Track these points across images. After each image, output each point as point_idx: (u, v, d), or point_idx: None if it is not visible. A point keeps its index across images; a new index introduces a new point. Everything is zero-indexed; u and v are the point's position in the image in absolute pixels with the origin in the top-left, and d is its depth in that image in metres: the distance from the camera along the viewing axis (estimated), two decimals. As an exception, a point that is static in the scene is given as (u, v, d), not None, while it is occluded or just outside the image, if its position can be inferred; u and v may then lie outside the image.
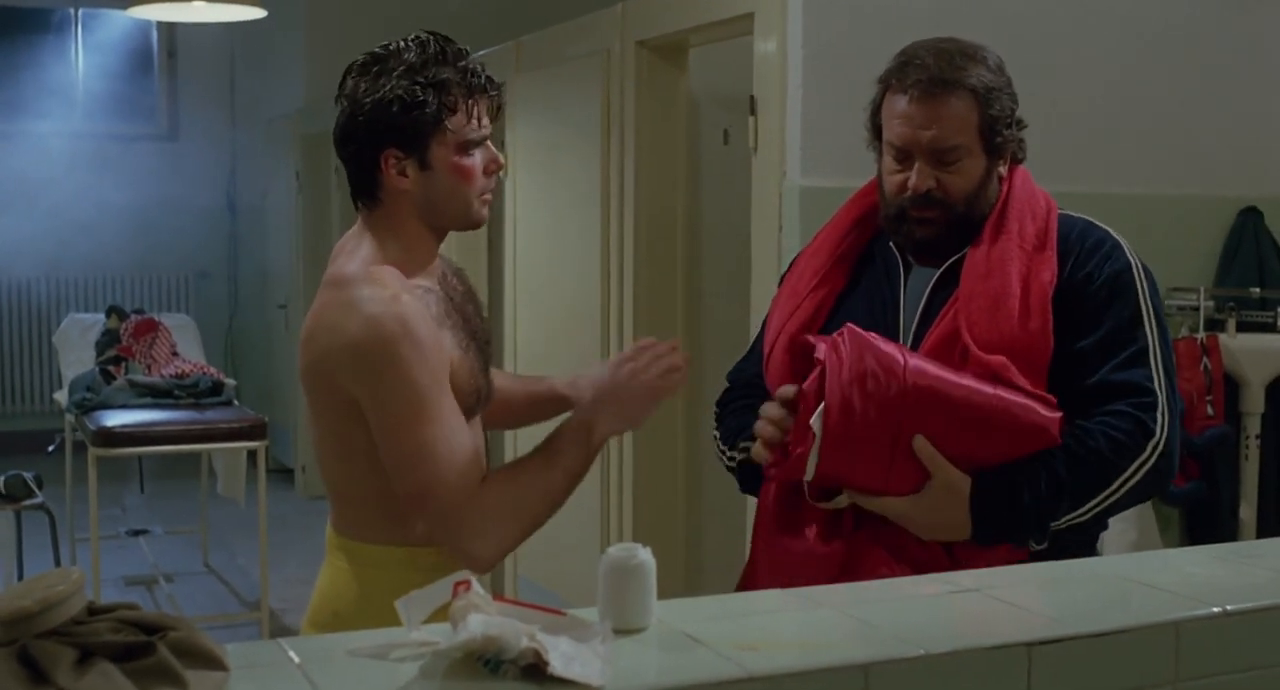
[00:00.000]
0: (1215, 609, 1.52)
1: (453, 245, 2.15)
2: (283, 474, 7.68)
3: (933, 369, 1.96)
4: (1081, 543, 2.06)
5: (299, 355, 1.99)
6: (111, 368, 5.61)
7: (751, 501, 2.30)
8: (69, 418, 5.63)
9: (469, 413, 1.99)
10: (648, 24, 4.01)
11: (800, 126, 3.29)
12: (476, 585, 1.36)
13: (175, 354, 5.82)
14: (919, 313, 2.11)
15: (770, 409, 2.07)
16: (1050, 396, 1.98)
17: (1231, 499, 3.76)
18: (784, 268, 2.43)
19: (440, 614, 1.36)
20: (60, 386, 6.10)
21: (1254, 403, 3.74)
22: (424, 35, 1.96)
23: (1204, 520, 3.78)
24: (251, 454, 5.33)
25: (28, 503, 4.65)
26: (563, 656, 1.27)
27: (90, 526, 4.95)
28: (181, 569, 6.08)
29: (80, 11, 8.71)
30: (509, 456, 4.11)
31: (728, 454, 2.26)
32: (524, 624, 1.30)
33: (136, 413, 5.19)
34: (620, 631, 1.39)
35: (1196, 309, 3.70)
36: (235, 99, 9.03)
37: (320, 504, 6.72)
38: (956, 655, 1.38)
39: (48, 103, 8.47)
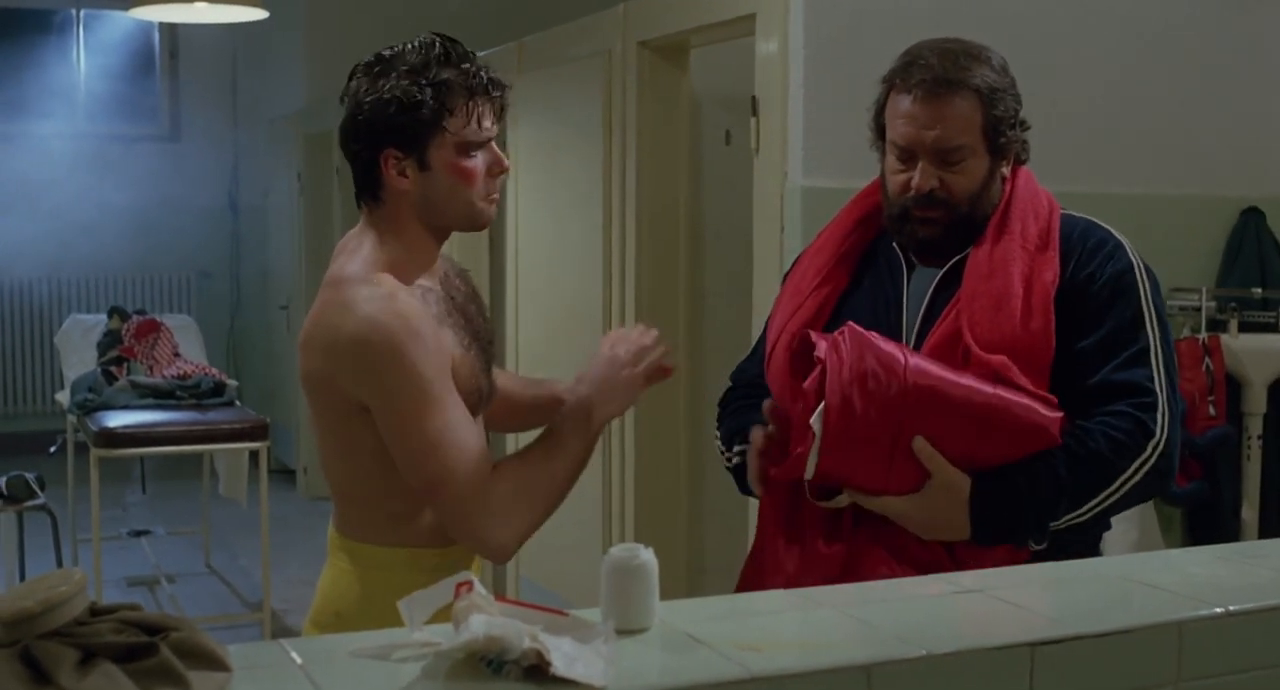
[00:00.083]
0: (1218, 609, 1.52)
1: (454, 245, 2.15)
2: (284, 475, 7.68)
3: (933, 369, 1.96)
4: (1084, 543, 2.06)
5: (299, 357, 1.99)
6: (113, 368, 5.61)
7: (753, 502, 2.31)
8: (71, 418, 5.63)
9: (471, 411, 1.99)
10: (649, 25, 4.01)
11: (802, 127, 3.29)
12: (478, 586, 1.36)
13: (177, 355, 5.82)
14: (921, 313, 2.11)
15: (757, 435, 2.10)
16: (1051, 397, 1.98)
17: (1233, 499, 3.76)
18: (786, 268, 2.43)
19: (442, 614, 1.36)
20: (62, 387, 6.10)
21: (1256, 403, 3.74)
22: (431, 37, 1.96)
23: (1206, 520, 3.78)
24: (253, 455, 5.33)
25: (30, 503, 4.65)
26: (565, 657, 1.27)
27: (92, 527, 4.95)
28: (183, 570, 6.08)
29: (82, 12, 8.71)
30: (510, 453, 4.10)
31: (726, 452, 2.26)
32: (526, 624, 1.30)
33: (138, 413, 5.19)
34: (622, 632, 1.39)
35: (1198, 309, 3.70)
36: (237, 99, 9.04)
37: (322, 505, 6.71)
38: (959, 656, 1.38)
39: (50, 104, 8.47)
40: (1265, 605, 1.55)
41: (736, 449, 2.23)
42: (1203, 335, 3.66)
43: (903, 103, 2.08)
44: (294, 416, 7.34)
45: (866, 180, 2.27)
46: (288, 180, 7.71)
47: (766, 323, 2.29)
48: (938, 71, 2.05)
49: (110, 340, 5.82)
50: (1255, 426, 3.75)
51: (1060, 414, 1.97)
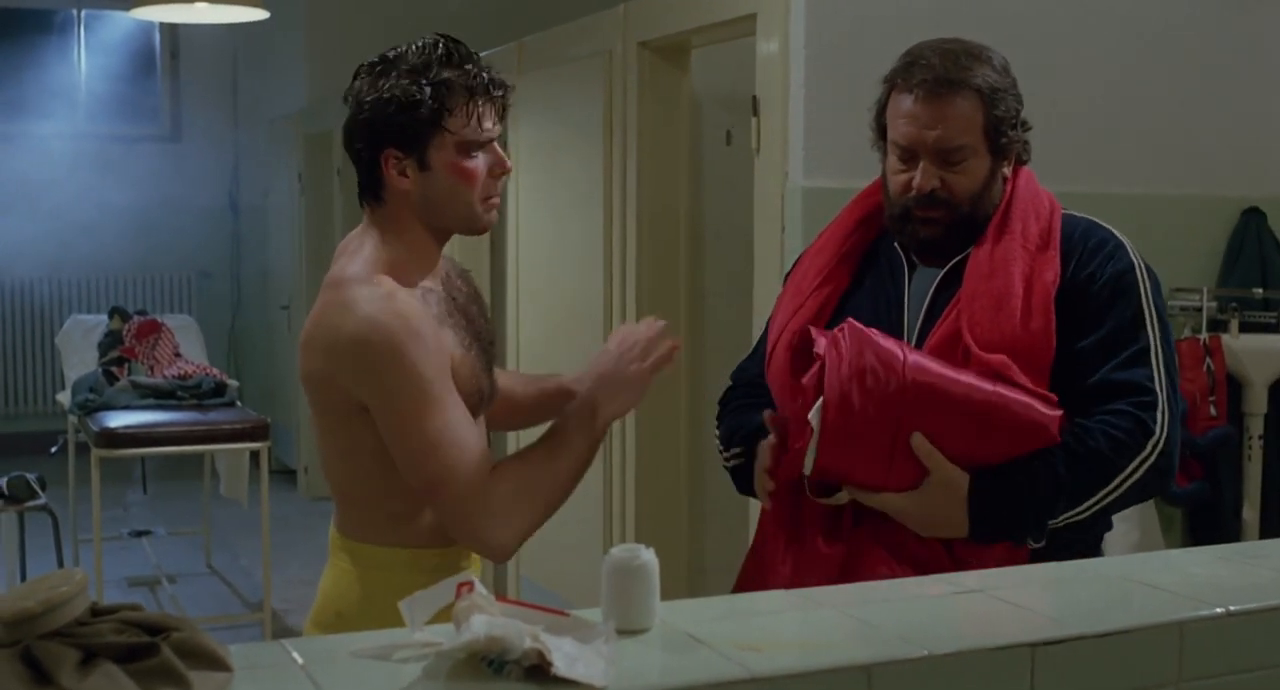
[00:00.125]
0: (1218, 609, 1.52)
1: (455, 246, 2.15)
2: (285, 475, 7.68)
3: (933, 365, 1.96)
4: (1086, 543, 2.06)
5: (299, 357, 1.99)
6: (114, 369, 5.61)
7: (754, 502, 2.31)
8: (72, 419, 5.63)
9: (472, 411, 1.99)
10: (650, 25, 4.01)
11: (803, 127, 3.29)
12: (479, 586, 1.36)
13: (178, 355, 5.82)
14: (923, 313, 2.12)
15: (763, 451, 2.10)
16: (1051, 395, 1.98)
17: (1234, 499, 3.76)
18: (786, 269, 2.43)
19: (444, 615, 1.36)
20: (63, 388, 6.10)
21: (1257, 403, 3.74)
22: (435, 37, 1.96)
23: (1207, 521, 3.78)
24: (254, 455, 5.33)
25: (31, 504, 4.65)
26: (566, 657, 1.27)
27: (93, 527, 4.95)
28: (184, 570, 6.08)
29: (83, 13, 8.71)
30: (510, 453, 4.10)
31: (725, 453, 2.26)
32: (527, 625, 1.30)
33: (139, 414, 5.20)
34: (623, 632, 1.39)
35: (1199, 309, 3.70)
36: (238, 100, 9.04)
37: (323, 505, 6.71)
38: (959, 656, 1.38)
39: (50, 104, 8.47)
40: (1266, 605, 1.55)
41: (734, 450, 2.23)
42: (1203, 335, 3.66)
43: (904, 102, 2.08)
44: (295, 417, 7.34)
45: (867, 180, 2.27)
46: (288, 180, 7.71)
47: (767, 322, 2.29)
48: (939, 71, 2.05)
49: (111, 340, 5.82)
50: (1256, 427, 3.75)
51: (1059, 412, 1.97)
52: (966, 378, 1.96)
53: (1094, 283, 2.05)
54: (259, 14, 5.09)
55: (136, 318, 5.94)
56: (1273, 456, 3.77)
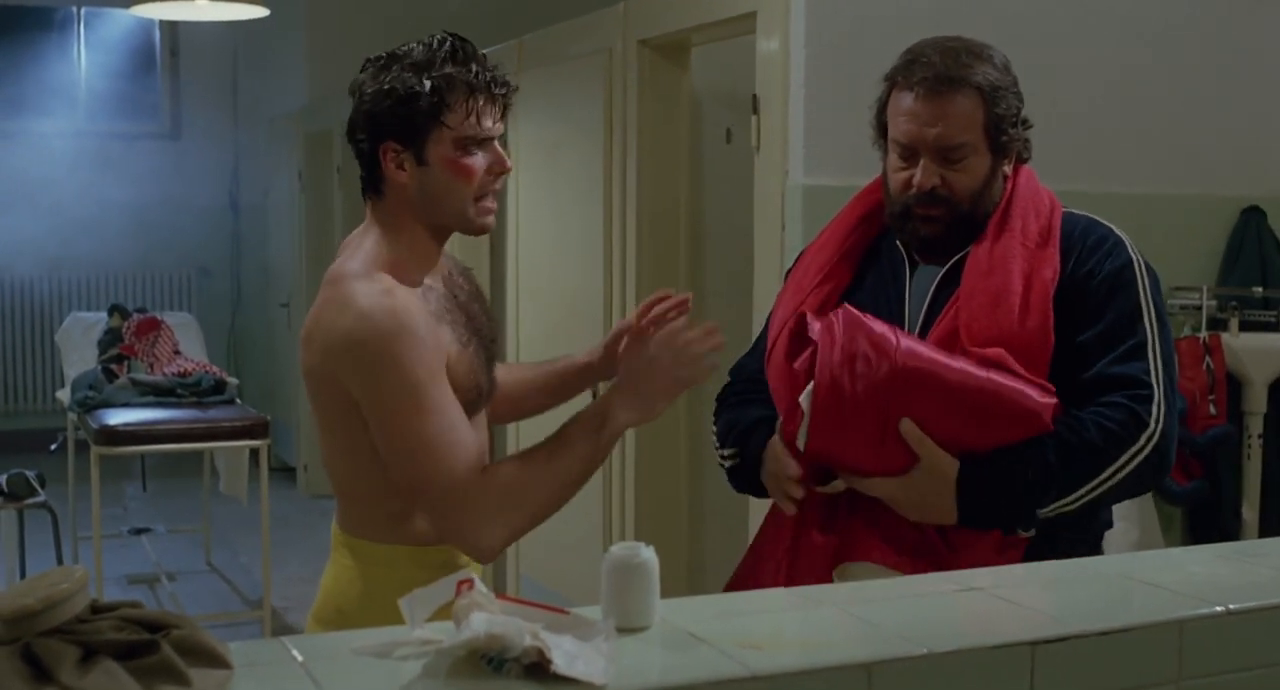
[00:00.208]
0: (1218, 608, 1.52)
1: (454, 244, 2.14)
2: (285, 472, 7.68)
3: (925, 351, 1.97)
4: (1086, 542, 2.06)
5: (300, 354, 1.99)
6: (114, 366, 5.61)
7: (754, 501, 2.31)
8: (71, 416, 5.63)
9: (469, 409, 1.98)
10: (650, 23, 4.01)
11: (803, 125, 3.29)
12: (479, 584, 1.36)
13: (178, 353, 5.82)
14: (924, 310, 2.12)
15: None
16: (1047, 384, 1.98)
17: (1234, 498, 3.76)
18: (787, 267, 2.43)
19: (444, 612, 1.36)
20: (63, 385, 6.10)
21: (1256, 402, 3.74)
22: (444, 35, 1.97)
23: (1206, 519, 3.79)
24: (254, 452, 5.34)
25: (30, 501, 4.65)
26: (566, 655, 1.27)
27: (93, 525, 4.95)
28: (184, 567, 6.08)
29: (83, 10, 8.71)
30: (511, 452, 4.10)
31: (721, 451, 2.26)
32: (527, 622, 1.30)
33: (139, 411, 5.20)
34: (623, 630, 1.39)
35: (1199, 308, 3.70)
36: (238, 97, 9.04)
37: (322, 503, 6.67)
38: (959, 654, 1.38)
39: (50, 101, 8.48)
40: (1266, 604, 1.55)
41: (730, 450, 2.23)
42: (1203, 334, 3.66)
43: (905, 100, 2.08)
44: (294, 414, 7.34)
45: (867, 179, 2.27)
46: (288, 178, 7.71)
47: (768, 319, 2.29)
48: (940, 69, 2.05)
49: (111, 338, 5.82)
50: (1256, 425, 3.75)
51: (1054, 400, 1.97)
52: (959, 363, 1.96)
53: (1093, 278, 2.05)
54: (259, 11, 5.09)
55: (136, 315, 5.94)
56: (1272, 455, 3.77)
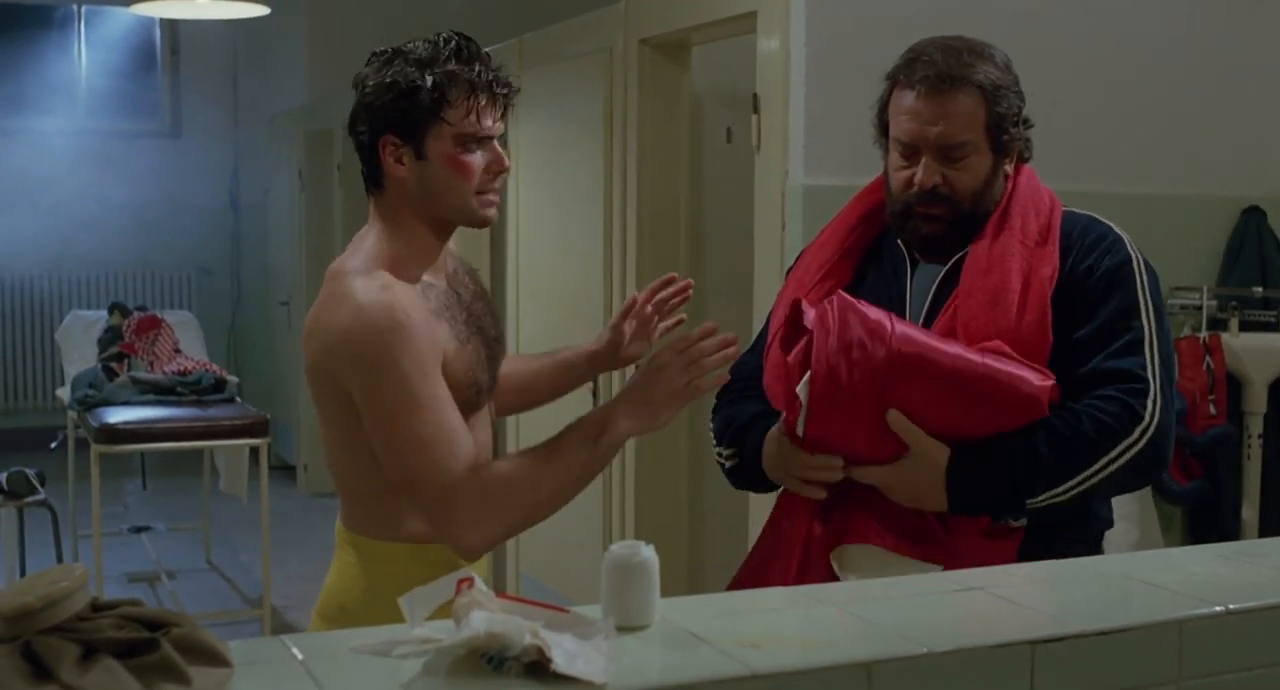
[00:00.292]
0: (1218, 608, 1.52)
1: (455, 242, 2.14)
2: (285, 471, 7.69)
3: (920, 336, 1.97)
4: (1086, 542, 2.06)
5: (303, 351, 1.99)
6: (114, 364, 5.62)
7: (754, 499, 2.31)
8: (71, 414, 5.63)
9: (468, 407, 1.98)
10: (650, 22, 4.01)
11: (803, 125, 3.29)
12: (479, 582, 1.36)
13: (178, 351, 5.82)
14: (925, 309, 2.12)
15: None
16: (1045, 370, 1.98)
17: (1234, 498, 3.76)
18: (787, 266, 2.43)
19: (444, 611, 1.36)
20: (63, 383, 6.11)
21: (1256, 402, 3.74)
22: (450, 33, 1.97)
23: (1206, 519, 3.79)
24: (254, 451, 5.34)
25: (30, 499, 4.65)
26: (566, 654, 1.27)
27: (93, 523, 4.95)
28: (184, 566, 6.09)
29: (83, 8, 8.71)
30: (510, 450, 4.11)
31: (718, 449, 2.26)
32: (527, 621, 1.30)
33: (139, 410, 5.20)
34: (623, 629, 1.39)
35: (1199, 308, 3.70)
36: (238, 96, 9.04)
37: (323, 501, 6.68)
38: (959, 653, 1.38)
39: (51, 99, 8.47)
40: (1266, 604, 1.55)
41: (728, 450, 2.23)
42: (1203, 334, 3.66)
43: (906, 99, 2.08)
44: (294, 413, 7.34)
45: (868, 178, 2.27)
46: (289, 177, 7.70)
47: (768, 317, 2.29)
48: (941, 68, 2.05)
49: (111, 336, 5.82)
50: (1256, 425, 3.75)
51: (1051, 382, 1.96)
52: (955, 349, 1.96)
53: (1091, 275, 2.06)
54: (260, 10, 5.09)
55: (136, 314, 5.94)
56: (1272, 455, 3.77)
